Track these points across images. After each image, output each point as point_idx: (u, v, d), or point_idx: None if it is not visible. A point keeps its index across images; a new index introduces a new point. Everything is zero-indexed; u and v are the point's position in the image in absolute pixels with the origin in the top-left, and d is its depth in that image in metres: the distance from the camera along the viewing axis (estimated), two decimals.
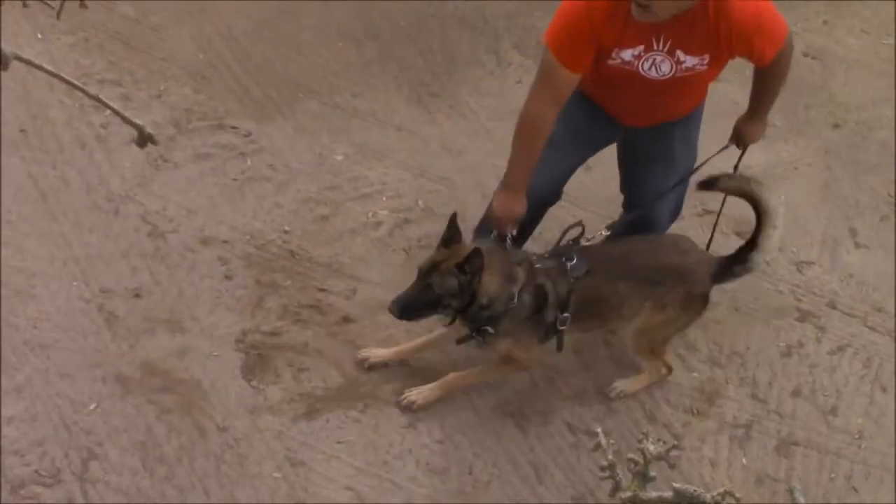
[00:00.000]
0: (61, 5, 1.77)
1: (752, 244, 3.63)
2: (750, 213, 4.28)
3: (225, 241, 4.26)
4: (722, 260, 3.70)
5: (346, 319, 4.11)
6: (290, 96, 4.81)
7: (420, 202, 4.50)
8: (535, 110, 3.41)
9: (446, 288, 3.48)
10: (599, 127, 3.71)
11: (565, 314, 3.60)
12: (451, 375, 3.88)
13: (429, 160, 4.66)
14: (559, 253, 3.63)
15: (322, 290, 4.18)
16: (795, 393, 4.11)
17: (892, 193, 4.77)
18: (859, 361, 4.22)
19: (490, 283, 3.50)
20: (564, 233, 3.71)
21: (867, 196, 4.76)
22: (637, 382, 4.01)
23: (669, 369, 4.01)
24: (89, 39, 4.82)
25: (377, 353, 3.97)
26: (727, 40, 3.25)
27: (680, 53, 3.28)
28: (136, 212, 4.30)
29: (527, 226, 3.82)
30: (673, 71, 3.32)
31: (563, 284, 3.57)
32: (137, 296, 4.07)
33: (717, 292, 3.92)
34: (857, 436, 4.02)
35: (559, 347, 3.70)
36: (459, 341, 3.89)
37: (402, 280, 4.15)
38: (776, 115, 4.87)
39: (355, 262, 4.28)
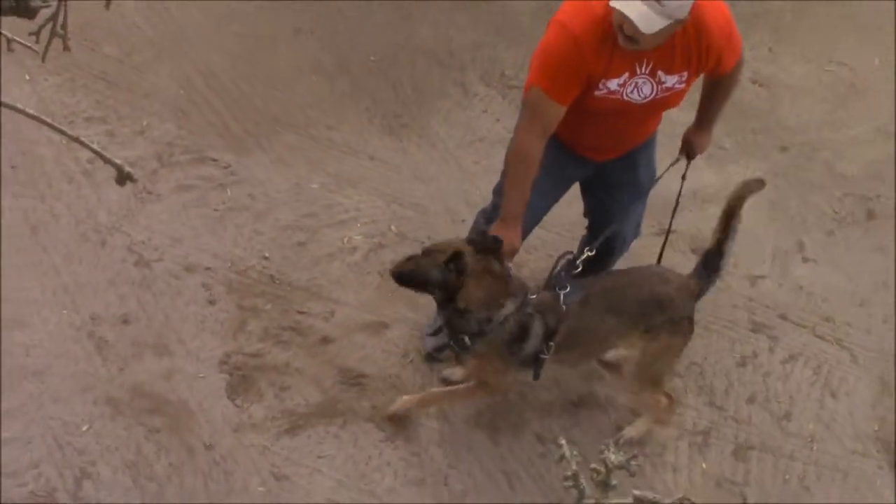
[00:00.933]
0: (46, 49, 1.78)
1: (717, 251, 3.66)
2: (703, 230, 4.45)
3: (208, 268, 4.38)
4: (698, 276, 3.70)
5: (325, 340, 4.23)
6: (267, 129, 4.89)
7: (393, 227, 4.61)
8: (524, 144, 3.40)
9: (424, 272, 3.46)
10: (572, 167, 3.75)
11: (550, 342, 3.54)
12: (431, 390, 4.00)
13: (401, 187, 4.76)
14: (553, 283, 3.57)
15: (301, 312, 4.30)
16: (751, 400, 4.26)
17: (837, 210, 4.89)
18: (810, 369, 4.36)
19: (471, 295, 3.43)
20: (556, 263, 3.66)
21: (813, 214, 4.87)
22: (644, 423, 4.02)
23: (670, 399, 3.97)
24: (75, 80, 4.89)
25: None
26: (706, 54, 3.32)
27: (661, 74, 3.34)
28: (123, 242, 4.40)
29: None
30: (654, 92, 3.37)
31: (553, 317, 3.51)
32: (125, 322, 4.19)
33: None
34: (809, 439, 4.18)
35: (536, 377, 3.66)
36: (434, 350, 4.02)
37: (378, 302, 4.33)
38: (726, 139, 5.00)
39: (332, 285, 4.39)
